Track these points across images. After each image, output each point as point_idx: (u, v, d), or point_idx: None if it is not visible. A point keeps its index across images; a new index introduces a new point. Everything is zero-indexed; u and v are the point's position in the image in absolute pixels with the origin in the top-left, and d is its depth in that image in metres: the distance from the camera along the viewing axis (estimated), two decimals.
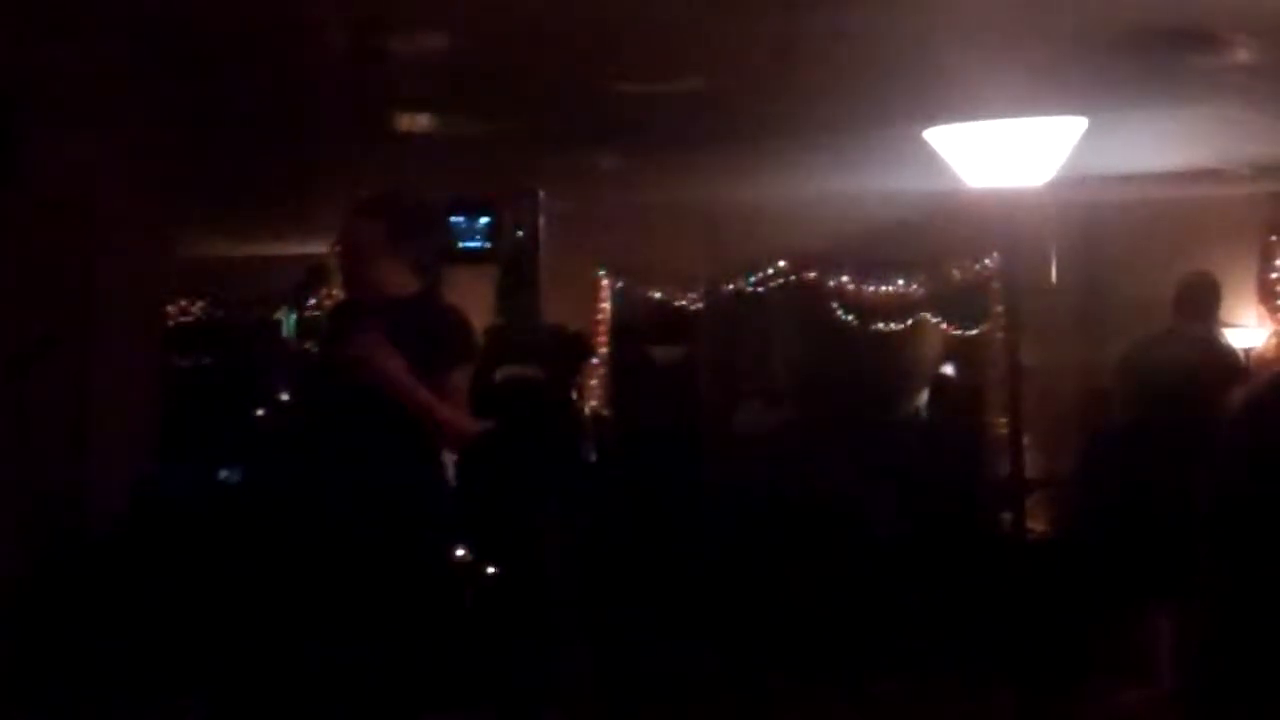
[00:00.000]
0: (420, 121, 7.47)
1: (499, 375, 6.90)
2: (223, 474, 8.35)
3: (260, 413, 8.48)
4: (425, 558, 4.70)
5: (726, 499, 9.48)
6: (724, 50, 6.57)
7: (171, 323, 11.13)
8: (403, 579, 4.57)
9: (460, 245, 7.16)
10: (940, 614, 7.87)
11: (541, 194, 7.31)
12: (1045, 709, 5.96)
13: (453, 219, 7.07)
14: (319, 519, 4.67)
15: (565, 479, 7.18)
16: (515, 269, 7.37)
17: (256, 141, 7.93)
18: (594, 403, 11.36)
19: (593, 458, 8.52)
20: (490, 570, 6.61)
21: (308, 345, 8.92)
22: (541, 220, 7.32)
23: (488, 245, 7.23)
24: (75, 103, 6.09)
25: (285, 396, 7.91)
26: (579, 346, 8.29)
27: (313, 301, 8.40)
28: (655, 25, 6.14)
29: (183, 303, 12.30)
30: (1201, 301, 7.16)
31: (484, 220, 7.15)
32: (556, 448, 7.11)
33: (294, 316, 9.38)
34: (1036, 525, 8.25)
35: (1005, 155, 5.58)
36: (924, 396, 12.01)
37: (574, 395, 8.04)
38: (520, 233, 7.21)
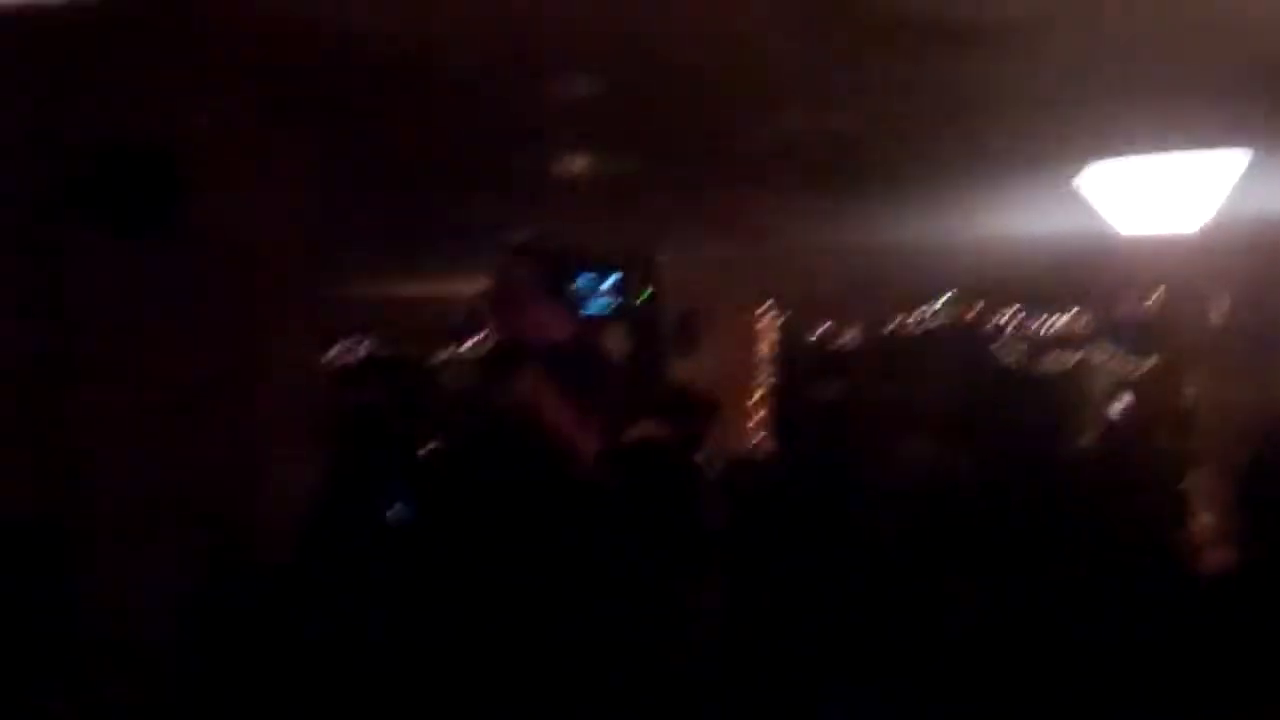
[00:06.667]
0: (575, 164, 7.52)
1: (627, 436, 6.89)
2: (391, 511, 8.45)
3: (426, 450, 8.57)
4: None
5: (887, 540, 9.40)
6: (881, 91, 6.54)
7: (338, 361, 11.34)
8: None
9: (587, 305, 7.18)
10: (1116, 649, 7.70)
11: (664, 258, 7.32)
12: None
13: (579, 277, 7.09)
14: (483, 559, 4.72)
15: (688, 549, 7.12)
16: (641, 331, 7.37)
17: (414, 184, 8.05)
18: (755, 441, 11.37)
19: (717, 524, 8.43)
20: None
21: (468, 386, 9.01)
22: (666, 282, 7.33)
23: (615, 306, 7.24)
24: (235, 154, 6.24)
25: (450, 435, 7.99)
26: (707, 405, 8.20)
27: (473, 342, 8.50)
28: (810, 65, 6.12)
29: (348, 342, 12.52)
30: None
31: (610, 281, 7.17)
32: (678, 516, 7.07)
33: (457, 356, 9.52)
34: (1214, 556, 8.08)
35: (1161, 195, 5.50)
36: (1094, 431, 11.84)
37: (699, 459, 7.94)
38: (643, 298, 7.22)
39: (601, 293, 7.11)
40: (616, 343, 7.37)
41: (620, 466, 5.84)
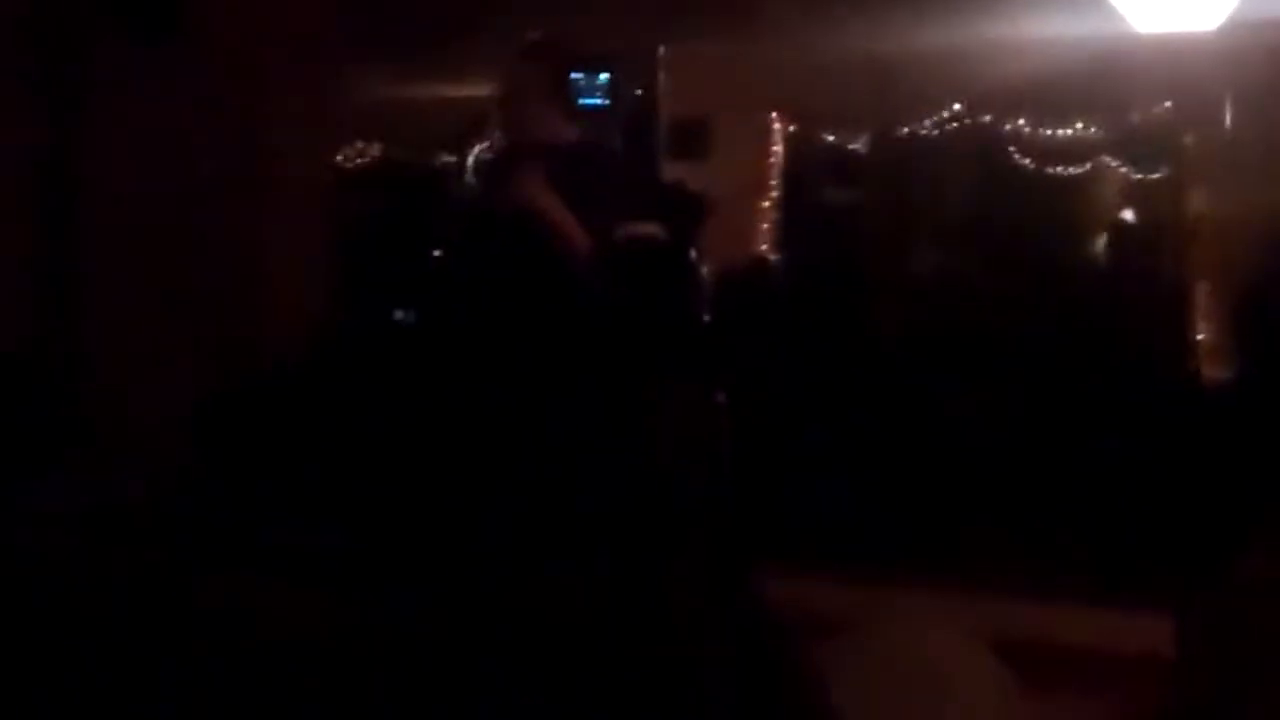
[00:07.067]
0: None
1: (620, 233, 6.87)
2: (398, 315, 8.51)
3: (437, 254, 8.61)
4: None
5: (895, 342, 9.45)
6: None
7: (347, 165, 11.29)
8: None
9: (579, 102, 7.09)
10: (1113, 458, 7.77)
11: (661, 51, 7.22)
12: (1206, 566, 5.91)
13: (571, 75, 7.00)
14: (487, 362, 4.77)
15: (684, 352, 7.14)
16: (634, 128, 7.29)
17: None
18: (764, 245, 11.36)
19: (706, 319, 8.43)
20: None
21: (473, 189, 9.02)
22: (661, 78, 7.24)
23: (607, 103, 7.16)
24: None
25: (453, 238, 8.01)
26: (696, 203, 8.16)
27: (483, 145, 8.47)
28: None
29: (358, 145, 12.42)
30: None
31: (603, 78, 7.07)
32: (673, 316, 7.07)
33: (469, 159, 9.49)
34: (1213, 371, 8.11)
35: None
36: (1102, 241, 11.81)
37: (693, 255, 7.95)
38: (639, 91, 7.14)
39: (600, 89, 7.04)
40: (615, 141, 7.30)
41: (616, 265, 5.87)
